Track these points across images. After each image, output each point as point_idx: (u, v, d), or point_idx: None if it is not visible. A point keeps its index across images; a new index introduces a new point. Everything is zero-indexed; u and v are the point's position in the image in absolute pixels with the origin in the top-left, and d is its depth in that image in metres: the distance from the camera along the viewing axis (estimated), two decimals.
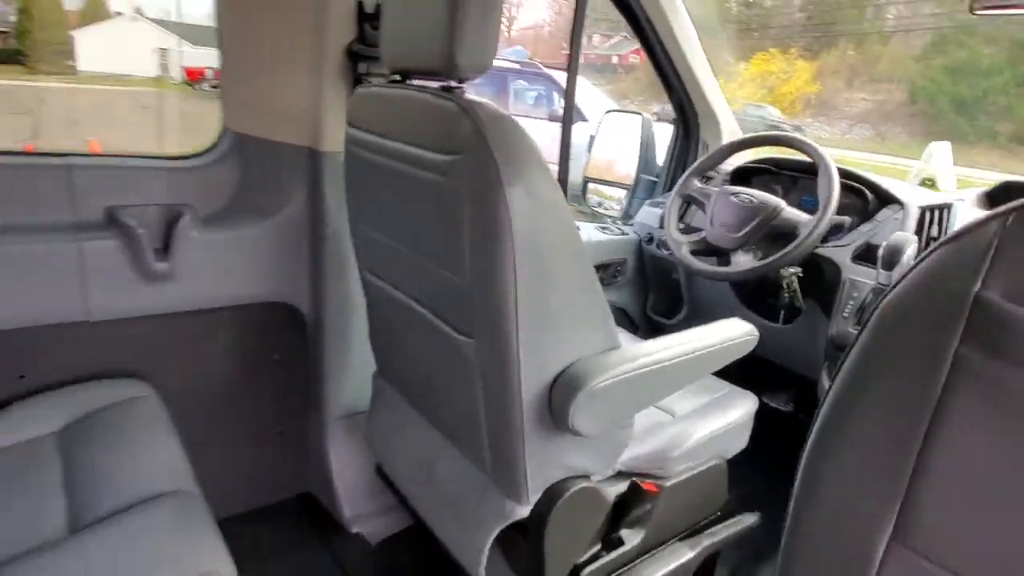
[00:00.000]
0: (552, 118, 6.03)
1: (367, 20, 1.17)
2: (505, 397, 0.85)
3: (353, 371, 1.40)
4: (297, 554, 1.39)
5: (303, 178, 1.30)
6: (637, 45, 1.84)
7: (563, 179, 2.08)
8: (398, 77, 0.95)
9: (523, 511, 0.93)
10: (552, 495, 0.93)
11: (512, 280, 0.77)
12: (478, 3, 0.78)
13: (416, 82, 0.94)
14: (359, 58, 1.19)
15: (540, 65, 7.24)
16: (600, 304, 0.89)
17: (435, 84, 0.87)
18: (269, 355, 1.41)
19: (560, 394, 0.84)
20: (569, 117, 1.90)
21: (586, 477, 0.97)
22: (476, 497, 0.98)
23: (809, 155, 1.43)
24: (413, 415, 1.15)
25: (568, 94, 1.94)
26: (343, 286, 1.33)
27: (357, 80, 1.22)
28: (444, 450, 1.07)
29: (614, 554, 1.04)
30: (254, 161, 1.31)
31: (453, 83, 0.84)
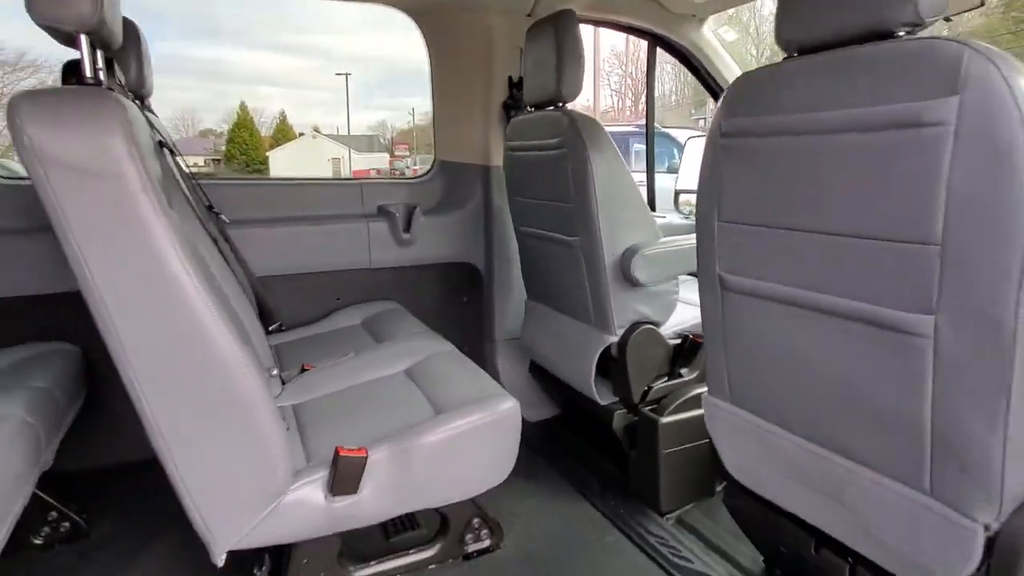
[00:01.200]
0: (671, 170, 6.76)
1: (515, 87, 2.02)
2: (597, 267, 1.56)
3: (512, 309, 2.17)
4: None
5: (479, 184, 2.15)
6: None
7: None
8: (532, 109, 1.76)
9: (613, 339, 1.60)
10: (631, 330, 1.60)
11: (595, 202, 1.51)
12: (570, 61, 1.56)
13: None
14: (510, 108, 2.04)
15: (658, 126, 8.05)
16: (648, 218, 1.60)
17: (551, 108, 1.67)
18: (460, 297, 2.24)
19: (627, 258, 1.54)
20: (651, 166, 2.59)
21: (653, 324, 1.63)
22: (585, 339, 1.68)
23: None
24: (549, 313, 1.88)
25: (648, 143, 2.67)
26: (505, 251, 2.13)
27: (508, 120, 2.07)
28: (567, 324, 1.78)
29: (675, 381, 1.67)
30: (452, 175, 2.20)
31: (560, 103, 1.63)
